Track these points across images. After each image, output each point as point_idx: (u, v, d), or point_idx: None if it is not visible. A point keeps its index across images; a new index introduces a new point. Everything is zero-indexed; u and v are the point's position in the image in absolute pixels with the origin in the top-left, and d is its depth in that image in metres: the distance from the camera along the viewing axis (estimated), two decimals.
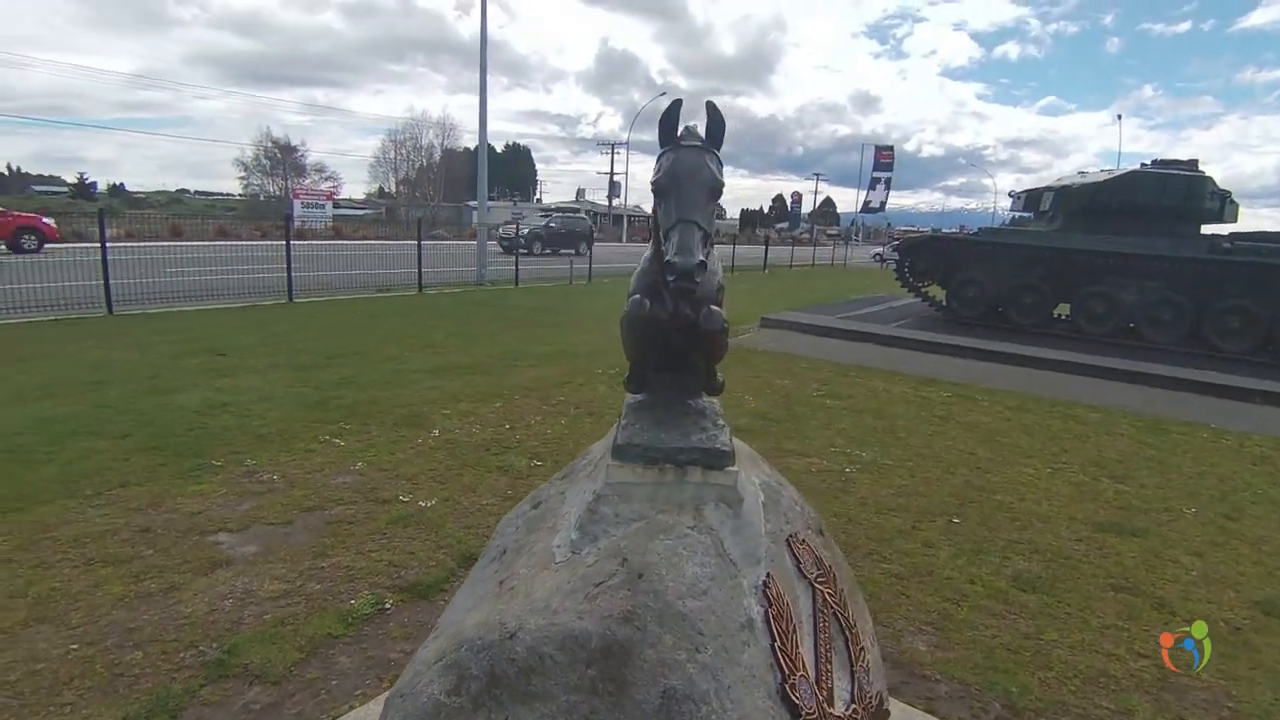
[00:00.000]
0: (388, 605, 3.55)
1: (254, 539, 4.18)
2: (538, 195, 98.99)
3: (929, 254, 14.68)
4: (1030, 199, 15.20)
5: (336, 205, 52.71)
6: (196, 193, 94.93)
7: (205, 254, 22.60)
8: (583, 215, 39.15)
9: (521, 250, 23.58)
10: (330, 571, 3.86)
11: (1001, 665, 3.16)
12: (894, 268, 15.35)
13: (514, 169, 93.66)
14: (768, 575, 1.62)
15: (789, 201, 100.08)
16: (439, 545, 4.19)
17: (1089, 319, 13.00)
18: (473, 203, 65.31)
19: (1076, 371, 9.78)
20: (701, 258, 1.59)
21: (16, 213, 23.91)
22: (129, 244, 20.32)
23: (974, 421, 7.17)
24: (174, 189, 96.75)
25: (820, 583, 1.82)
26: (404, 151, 65.00)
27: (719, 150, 1.82)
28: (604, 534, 1.60)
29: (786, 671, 1.47)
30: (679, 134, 1.78)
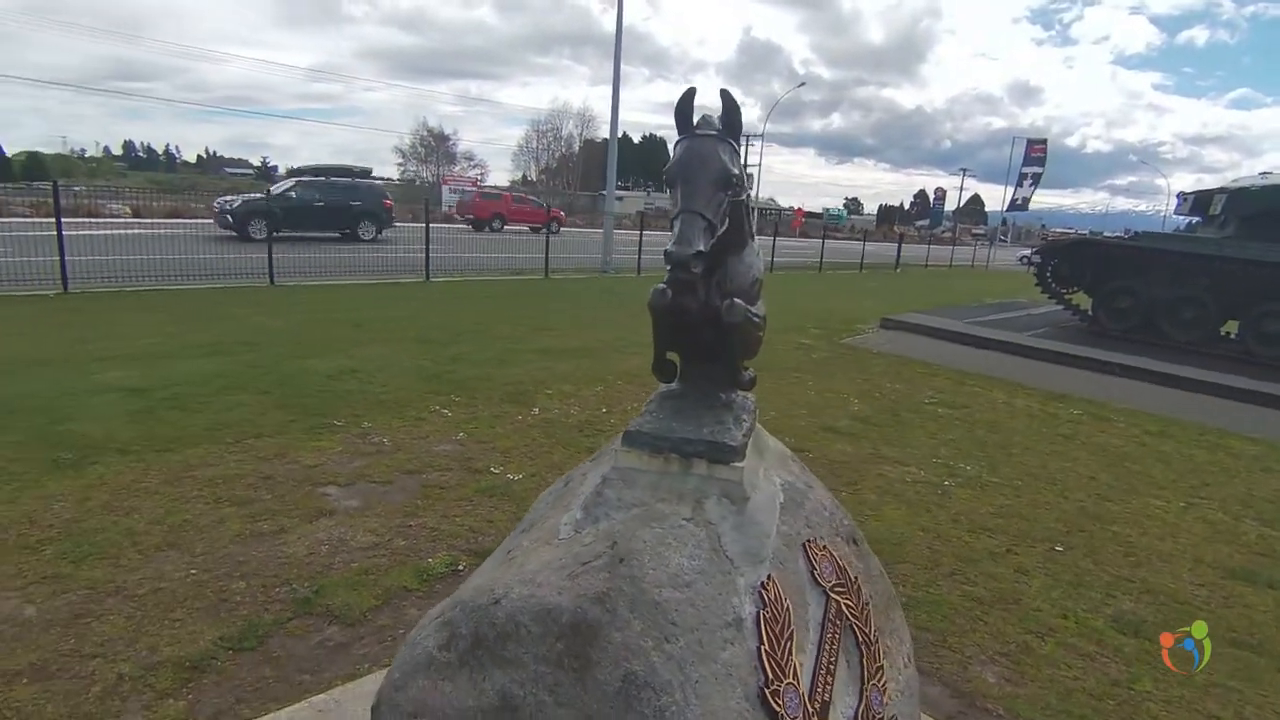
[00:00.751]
0: (460, 567, 3.76)
1: (357, 494, 4.55)
2: None
3: (1076, 258, 13.38)
4: (1199, 201, 13.44)
5: (483, 192, 55.67)
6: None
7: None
8: (367, 181, 23.90)
9: (233, 233, 18.57)
10: (416, 530, 4.14)
11: (1078, 711, 2.88)
12: (1034, 271, 14.11)
13: (650, 159, 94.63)
14: (768, 577, 1.57)
15: (931, 198, 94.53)
16: (518, 516, 4.36)
17: (1261, 340, 11.37)
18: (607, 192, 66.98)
19: (1236, 397, 8.60)
20: (700, 248, 1.56)
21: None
22: None
23: (1102, 443, 6.50)
24: None
25: (837, 592, 1.75)
26: (545, 141, 67.62)
27: (736, 138, 1.78)
28: (605, 516, 1.62)
29: (770, 676, 1.43)
30: (695, 123, 1.76)
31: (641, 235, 19.93)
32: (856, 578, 1.84)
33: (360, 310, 11.08)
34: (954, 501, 4.86)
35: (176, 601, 3.27)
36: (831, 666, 1.62)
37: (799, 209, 68.90)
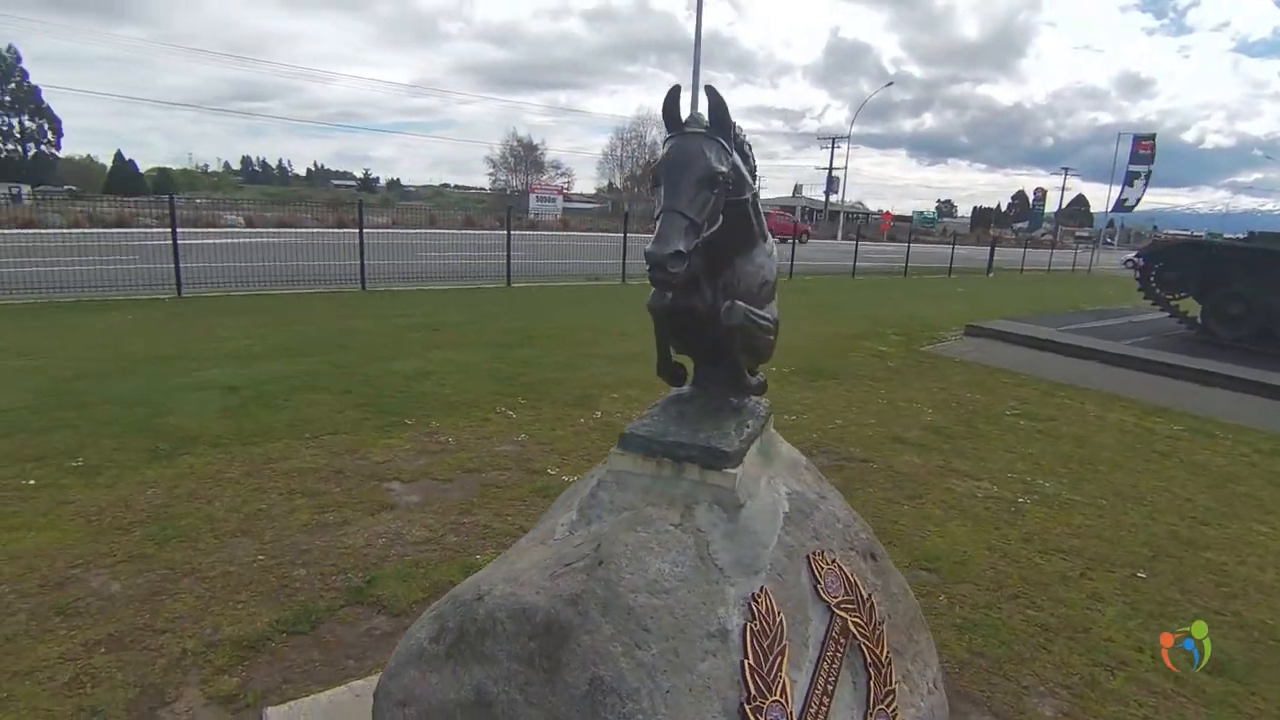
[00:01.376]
0: None
1: (418, 490, 4.72)
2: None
3: (1182, 261, 12.28)
4: None
5: (568, 199, 56.95)
6: (455, 187, 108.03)
7: (449, 241, 25.55)
8: None
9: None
10: (469, 527, 4.25)
11: None
12: (1137, 276, 13.04)
13: None
14: (761, 589, 1.52)
15: (1031, 198, 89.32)
16: None
17: None
18: None
19: None
20: (679, 248, 1.53)
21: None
22: (391, 230, 23.73)
23: (1203, 462, 5.94)
24: (438, 184, 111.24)
25: (844, 609, 1.67)
26: (629, 149, 68.35)
27: (726, 135, 1.73)
28: (597, 519, 1.61)
29: (753, 692, 1.38)
30: (684, 121, 1.73)
31: None
32: (870, 595, 1.76)
33: (441, 314, 11.51)
34: (1027, 520, 4.56)
35: (242, 584, 3.48)
36: (830, 687, 1.54)
37: (886, 212, 66.65)
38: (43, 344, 8.54)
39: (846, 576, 1.72)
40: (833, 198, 63.02)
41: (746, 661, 1.41)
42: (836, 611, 1.65)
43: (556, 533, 1.63)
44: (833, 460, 5.49)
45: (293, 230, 25.11)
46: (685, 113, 1.89)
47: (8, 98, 76.29)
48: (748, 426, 1.85)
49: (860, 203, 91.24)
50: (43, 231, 23.05)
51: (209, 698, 2.70)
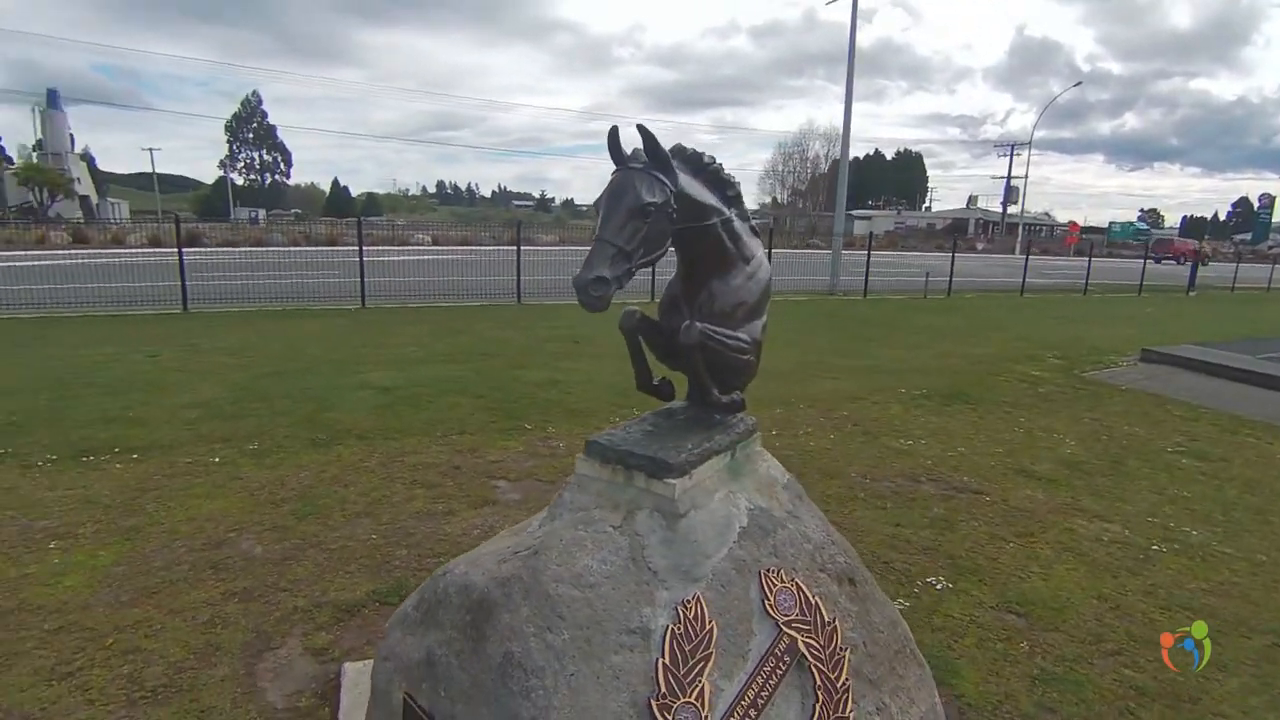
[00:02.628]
0: None
1: (521, 489, 5.09)
2: (926, 203, 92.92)
3: None
4: None
5: None
6: None
7: None
8: None
9: None
10: None
11: None
12: None
13: (904, 176, 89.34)
14: (695, 595, 1.57)
15: (1256, 205, 76.19)
16: None
17: None
18: (856, 212, 64.56)
19: None
20: (602, 274, 1.64)
21: None
22: (556, 247, 25.20)
23: None
24: None
25: (795, 627, 1.68)
26: (791, 164, 67.28)
27: (663, 168, 1.80)
28: (558, 516, 1.75)
29: (664, 690, 1.45)
30: (626, 157, 1.83)
31: (869, 255, 19.01)
32: (834, 619, 1.74)
33: (584, 328, 12.11)
34: (1155, 570, 4.05)
35: (353, 558, 3.98)
36: (760, 701, 1.57)
37: (1073, 223, 59.92)
38: (250, 345, 10.11)
39: (805, 597, 1.72)
40: (1013, 208, 57.85)
41: (662, 660, 1.48)
42: (784, 629, 1.66)
43: (530, 527, 1.80)
44: (940, 490, 5.19)
45: (467, 248, 27.49)
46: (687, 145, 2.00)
47: (250, 135, 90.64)
48: (710, 442, 1.91)
49: (1047, 213, 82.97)
50: (269, 249, 27.02)
51: (305, 649, 3.15)
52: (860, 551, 4.18)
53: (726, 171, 2.16)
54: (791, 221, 56.99)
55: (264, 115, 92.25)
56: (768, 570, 1.72)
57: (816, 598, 1.75)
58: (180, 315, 13.11)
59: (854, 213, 63.21)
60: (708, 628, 1.56)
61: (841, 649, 1.73)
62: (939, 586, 3.81)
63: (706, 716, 1.48)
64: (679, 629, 1.53)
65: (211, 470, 5.29)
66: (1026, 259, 23.71)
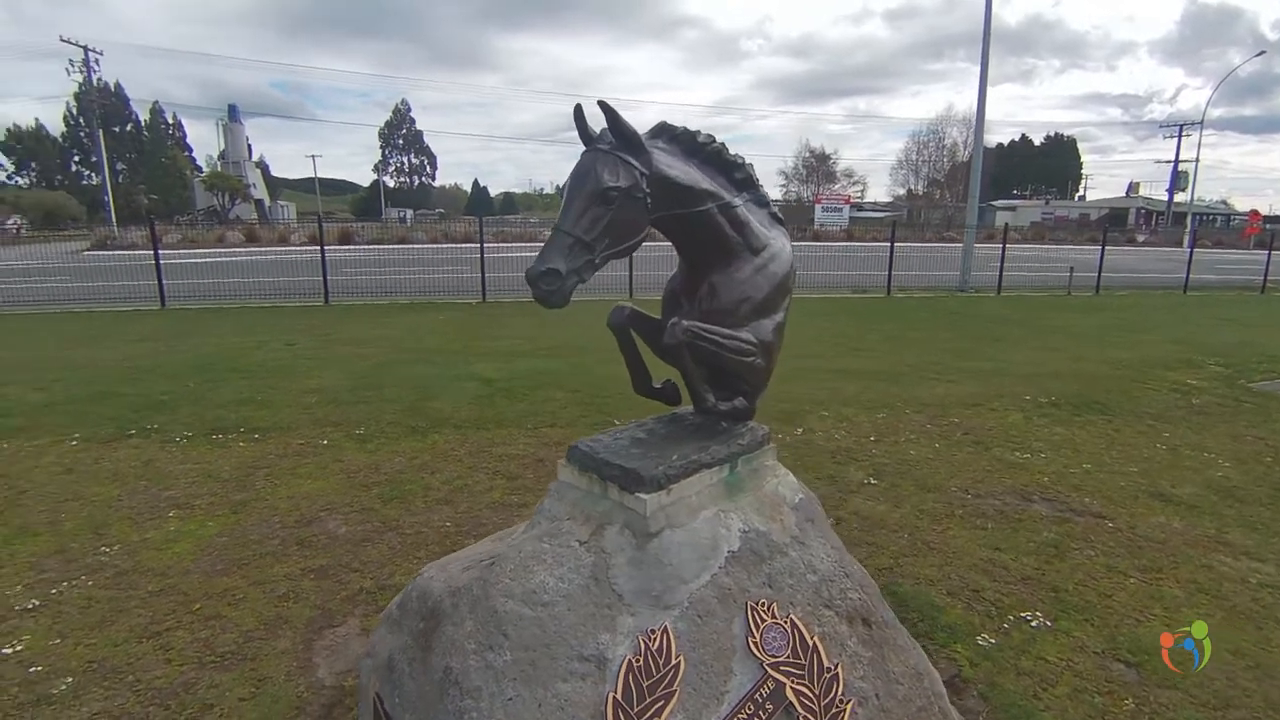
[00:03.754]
0: None
1: None
2: (1080, 192, 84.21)
3: None
4: None
5: (860, 208, 54.91)
6: None
7: None
8: None
9: None
10: None
11: None
12: None
13: (1054, 163, 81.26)
14: (663, 626, 1.41)
15: None
16: None
17: None
18: (998, 202, 59.81)
19: None
20: (554, 265, 1.51)
21: None
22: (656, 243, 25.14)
23: None
24: None
25: (785, 671, 1.48)
26: (926, 153, 63.32)
27: (631, 149, 1.63)
28: (537, 525, 1.65)
29: None
30: (593, 138, 1.66)
31: (1004, 248, 17.47)
32: (836, 666, 1.53)
33: None
34: None
35: (425, 544, 4.10)
36: None
37: (1254, 212, 52.13)
38: (373, 336, 10.81)
39: (801, 636, 1.51)
40: (1182, 196, 51.29)
41: (614, 694, 1.34)
42: (770, 672, 1.47)
43: (515, 533, 1.72)
44: (1054, 511, 4.63)
45: None
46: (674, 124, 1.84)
47: (400, 140, 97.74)
48: (703, 453, 1.73)
49: (1224, 201, 72.91)
50: (411, 246, 28.88)
51: (362, 629, 3.27)
52: (948, 575, 3.83)
53: (732, 152, 1.97)
54: (926, 214, 53.73)
55: (412, 121, 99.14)
56: (757, 603, 1.54)
57: (816, 638, 1.54)
58: (321, 308, 14.27)
59: (996, 203, 58.55)
60: (673, 663, 1.40)
61: (843, 700, 1.51)
62: (1034, 623, 3.38)
63: None
64: (638, 661, 1.39)
65: (319, 452, 5.67)
66: (1191, 252, 20.95)
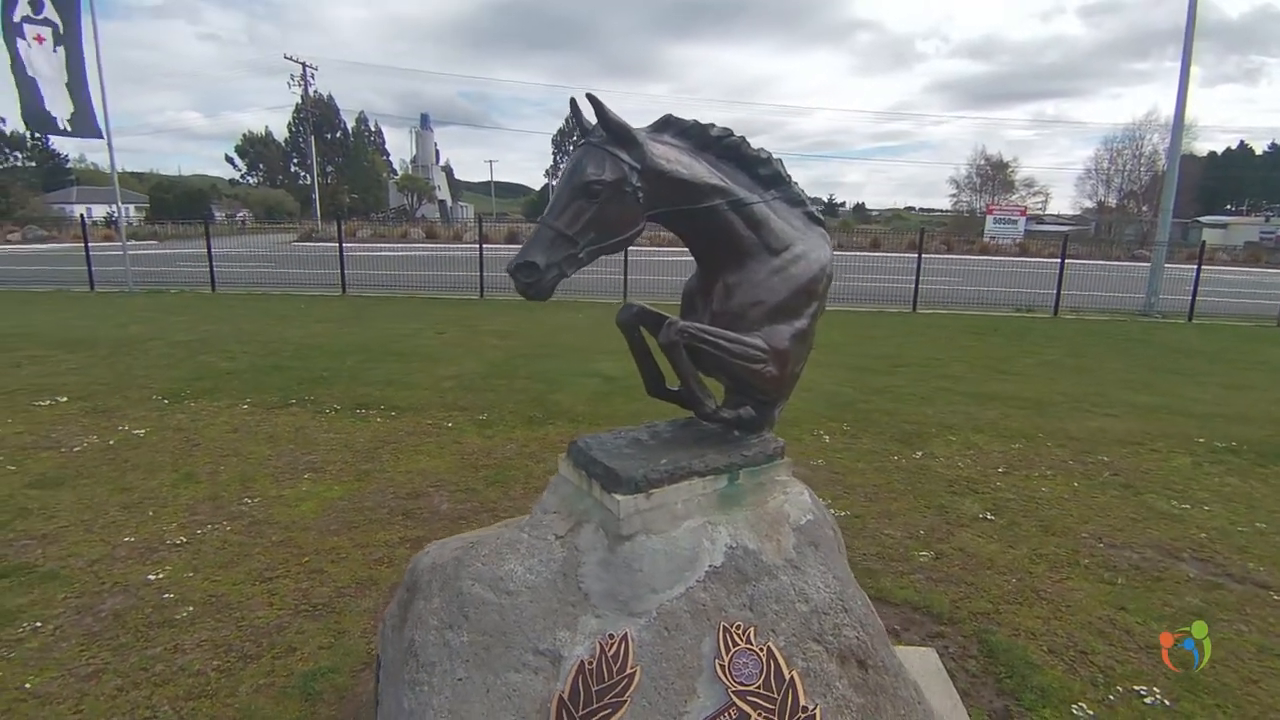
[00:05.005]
0: None
1: None
2: None
3: None
4: None
5: (1040, 221, 50.21)
6: (921, 209, 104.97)
7: (861, 263, 25.19)
8: None
9: None
10: None
11: None
12: None
13: (1278, 176, 68.86)
14: (623, 634, 1.38)
15: None
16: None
17: None
18: (1206, 219, 51.93)
19: None
20: (533, 259, 1.49)
21: None
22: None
23: None
24: (901, 207, 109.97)
25: (751, 701, 1.39)
26: (1120, 161, 56.23)
27: (622, 141, 1.57)
28: (531, 515, 1.68)
29: None
30: (588, 131, 1.63)
31: (1199, 270, 15.18)
32: (815, 707, 1.42)
33: (824, 333, 11.56)
34: None
35: None
36: None
37: None
38: (516, 329, 11.43)
39: (777, 667, 1.41)
40: None
41: (561, 693, 1.33)
42: (735, 700, 1.38)
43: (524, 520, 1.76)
44: (1205, 573, 4.00)
45: None
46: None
47: (571, 147, 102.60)
48: (697, 460, 1.66)
49: None
50: None
51: None
52: (1053, 630, 3.43)
53: (754, 147, 1.89)
54: (1118, 228, 47.78)
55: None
56: (732, 625, 1.46)
57: (795, 673, 1.43)
58: (475, 301, 15.30)
59: (1203, 219, 51.03)
60: (628, 672, 1.37)
61: None
62: (1149, 699, 2.94)
63: None
64: (591, 664, 1.37)
65: (442, 433, 6.10)
66: None
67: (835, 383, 8.27)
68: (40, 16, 14.70)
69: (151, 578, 3.58)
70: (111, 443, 5.62)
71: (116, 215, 18.99)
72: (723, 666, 1.43)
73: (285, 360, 8.74)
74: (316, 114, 59.74)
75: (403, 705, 1.40)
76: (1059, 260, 15.31)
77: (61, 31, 14.90)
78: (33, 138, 59.51)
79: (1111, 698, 2.97)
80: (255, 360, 8.69)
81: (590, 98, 1.64)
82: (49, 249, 31.40)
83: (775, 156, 1.95)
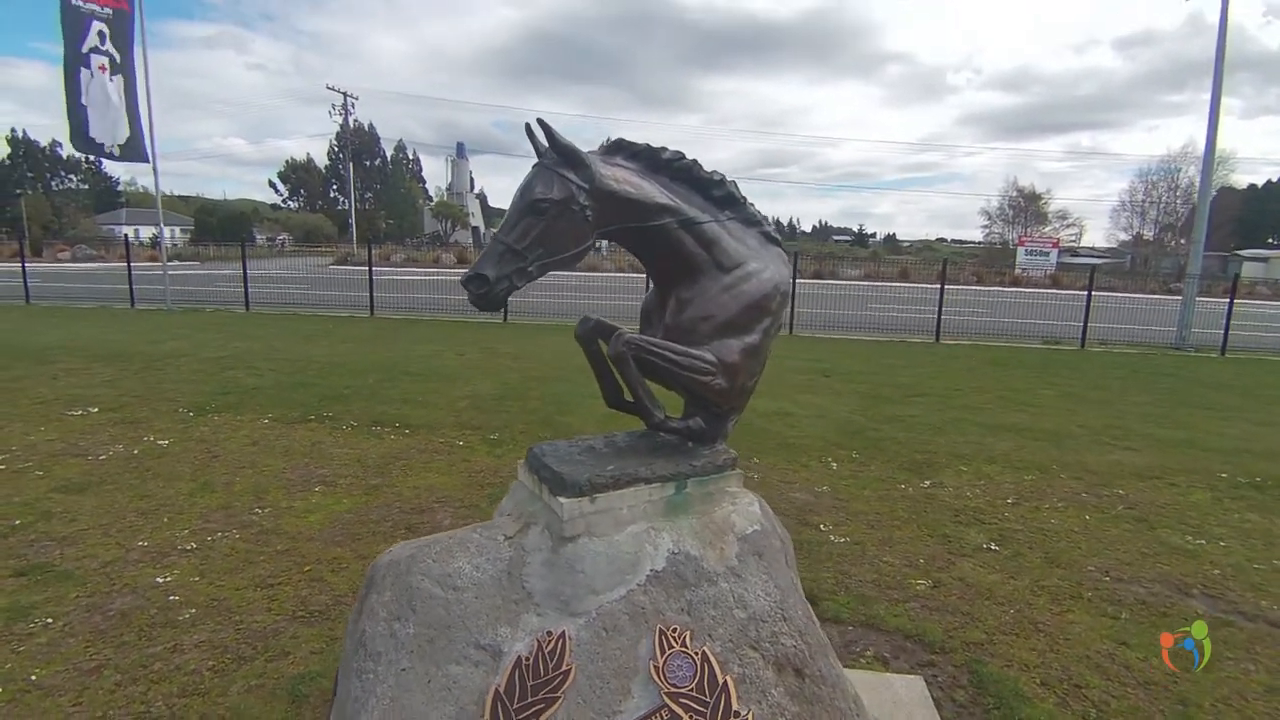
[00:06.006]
0: None
1: None
2: None
3: None
4: None
5: (1074, 254, 49.46)
6: (953, 240, 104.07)
7: (887, 293, 25.06)
8: None
9: None
10: None
11: None
12: None
13: None
14: (562, 632, 1.43)
15: None
16: (815, 572, 4.21)
17: None
18: (1246, 252, 50.50)
19: None
20: (484, 271, 1.58)
21: None
22: (849, 281, 24.36)
23: None
24: (932, 238, 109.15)
25: (684, 703, 1.43)
26: (1155, 192, 55.11)
27: (570, 162, 1.66)
28: (493, 518, 1.74)
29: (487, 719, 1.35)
30: (543, 151, 1.72)
31: (1231, 303, 14.81)
32: (746, 713, 1.45)
33: (840, 361, 11.56)
34: None
35: None
36: None
37: None
38: (534, 353, 11.59)
39: (711, 671, 1.44)
40: None
41: (497, 686, 1.38)
42: (668, 701, 1.42)
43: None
44: (1215, 609, 3.91)
45: None
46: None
47: None
48: (644, 468, 1.71)
49: None
50: (594, 274, 30.49)
51: None
52: (1049, 663, 3.38)
53: (707, 170, 1.97)
54: (1155, 261, 46.77)
55: None
56: (668, 628, 1.50)
57: (729, 678, 1.46)
58: (500, 325, 15.53)
59: (1242, 253, 49.74)
60: (563, 669, 1.42)
61: None
62: None
63: None
64: (528, 660, 1.42)
65: (453, 451, 6.22)
66: None
67: (848, 410, 8.24)
68: (105, 47, 15.56)
69: (160, 580, 3.71)
70: (136, 452, 5.83)
71: (159, 237, 19.80)
72: (657, 668, 1.47)
73: (309, 377, 8.98)
74: (356, 142, 61.60)
75: (350, 693, 1.47)
76: (1086, 292, 15.08)
77: (118, 61, 15.73)
78: (86, 161, 62.40)
79: None
80: (280, 377, 8.95)
81: (540, 122, 1.74)
82: (96, 268, 32.65)
83: (728, 179, 2.03)
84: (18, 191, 58.64)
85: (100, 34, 15.42)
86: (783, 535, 1.97)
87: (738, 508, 1.83)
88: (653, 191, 1.83)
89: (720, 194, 1.99)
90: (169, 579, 3.73)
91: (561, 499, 1.64)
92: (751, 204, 2.10)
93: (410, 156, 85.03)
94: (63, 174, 67.60)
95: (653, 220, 1.82)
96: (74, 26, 15.21)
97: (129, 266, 17.97)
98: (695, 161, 1.96)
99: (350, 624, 1.61)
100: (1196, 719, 3.03)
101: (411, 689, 1.43)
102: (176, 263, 27.25)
